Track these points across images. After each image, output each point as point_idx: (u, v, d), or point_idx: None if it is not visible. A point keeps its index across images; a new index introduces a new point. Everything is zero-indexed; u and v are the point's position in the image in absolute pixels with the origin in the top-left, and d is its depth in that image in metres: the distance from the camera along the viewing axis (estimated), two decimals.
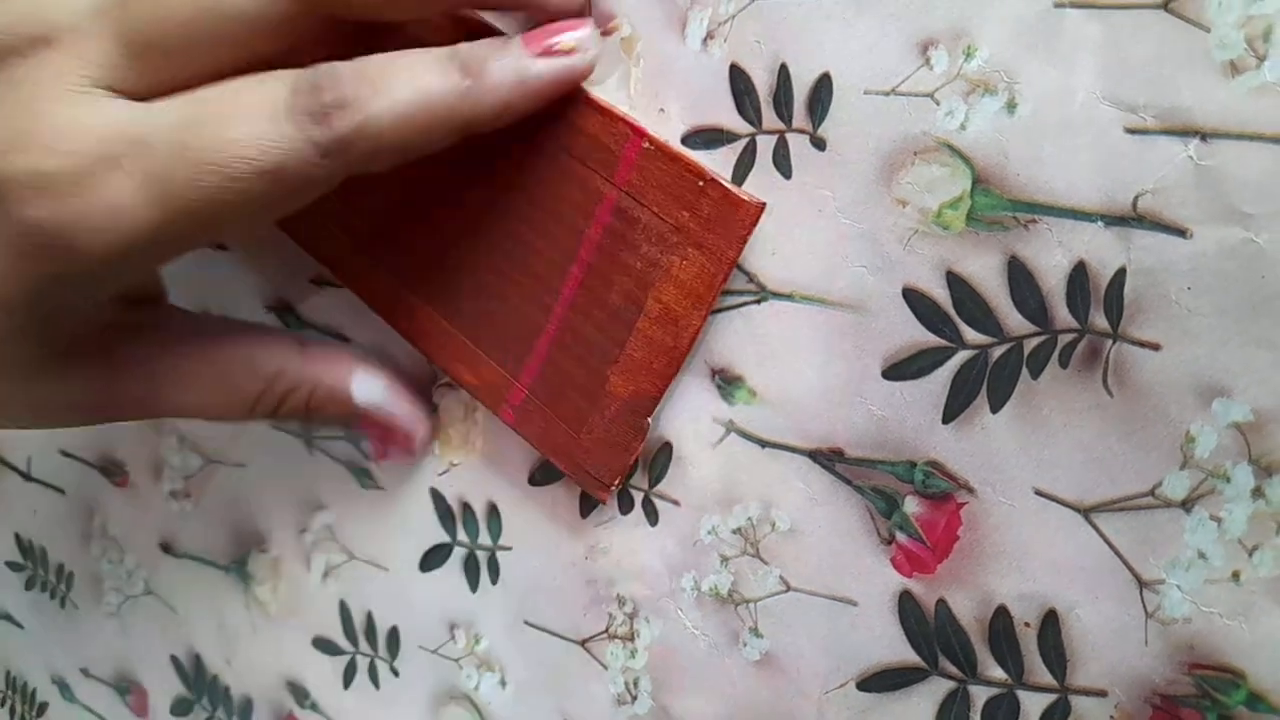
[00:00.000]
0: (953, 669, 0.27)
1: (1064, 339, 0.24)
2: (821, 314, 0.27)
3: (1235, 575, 0.23)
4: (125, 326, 0.30)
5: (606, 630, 0.32)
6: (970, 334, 0.25)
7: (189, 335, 0.31)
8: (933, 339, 0.26)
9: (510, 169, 0.30)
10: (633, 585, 0.32)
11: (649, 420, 0.30)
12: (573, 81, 0.28)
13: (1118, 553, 0.24)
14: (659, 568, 0.31)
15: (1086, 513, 0.25)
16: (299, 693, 0.40)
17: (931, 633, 0.27)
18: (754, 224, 0.27)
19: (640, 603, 0.31)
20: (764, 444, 0.29)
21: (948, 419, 0.26)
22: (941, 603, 0.27)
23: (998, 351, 0.25)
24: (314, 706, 0.39)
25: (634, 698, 0.32)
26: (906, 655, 0.27)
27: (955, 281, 0.25)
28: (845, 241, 0.27)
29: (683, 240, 0.28)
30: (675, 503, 0.30)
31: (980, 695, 0.26)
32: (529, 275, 0.30)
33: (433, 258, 0.33)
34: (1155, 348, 0.24)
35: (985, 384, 0.25)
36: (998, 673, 0.26)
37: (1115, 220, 0.24)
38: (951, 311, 0.26)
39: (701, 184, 0.28)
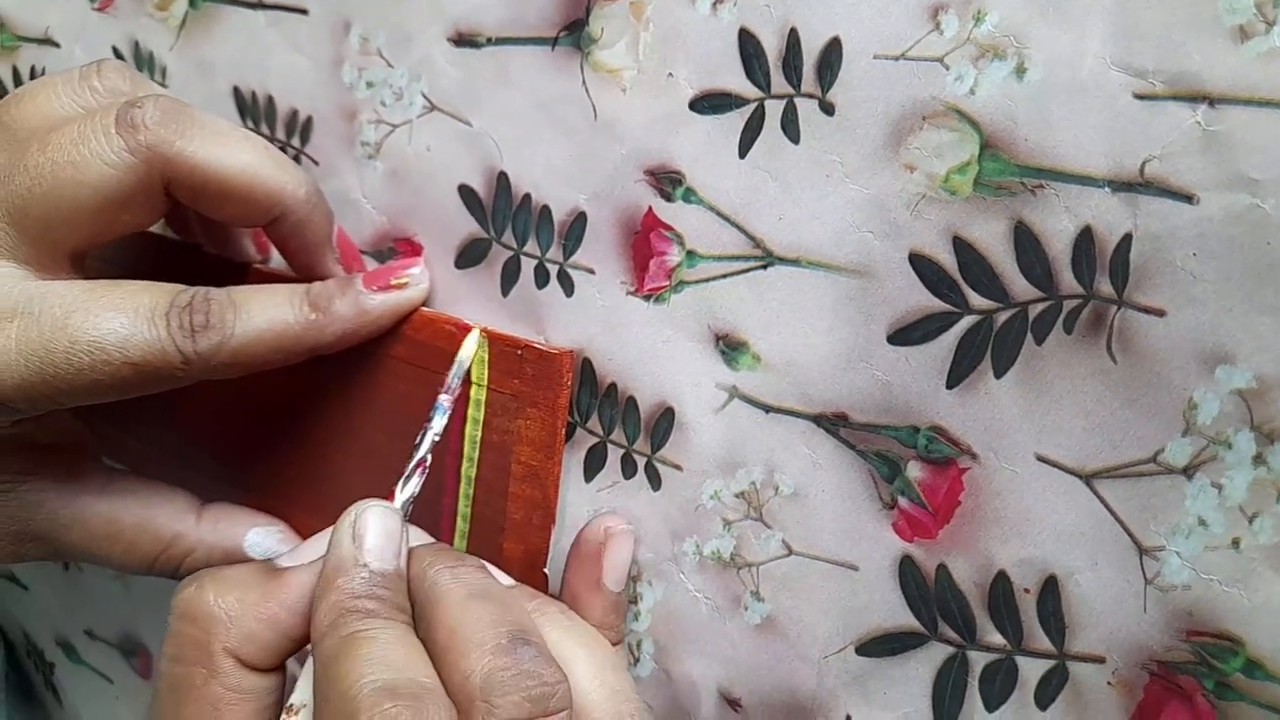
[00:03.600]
0: (952, 634, 0.27)
1: (1069, 305, 0.24)
2: (827, 279, 0.27)
3: (1235, 542, 0.23)
4: (37, 472, 0.33)
5: None
6: (976, 299, 0.26)
7: (96, 489, 0.35)
8: (938, 304, 0.26)
9: (368, 389, 0.35)
10: (636, 548, 0.32)
11: (546, 570, 0.32)
12: (406, 310, 0.34)
13: (1118, 519, 0.24)
14: (662, 532, 0.31)
15: (1088, 479, 0.25)
16: None
17: (931, 598, 0.27)
18: (571, 370, 0.31)
19: (643, 566, 0.32)
20: (768, 409, 0.29)
21: (952, 384, 0.26)
22: (942, 568, 0.27)
23: (1003, 317, 0.25)
24: None
25: (636, 660, 0.32)
26: (906, 620, 0.27)
27: (962, 247, 0.26)
28: (852, 207, 0.27)
29: (521, 404, 0.32)
30: (678, 467, 0.30)
31: (979, 661, 0.26)
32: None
33: (318, 481, 0.37)
34: (1160, 314, 0.24)
35: (990, 349, 0.26)
36: (997, 638, 0.26)
37: (1122, 186, 0.24)
38: (958, 277, 0.26)
39: (520, 352, 0.32)
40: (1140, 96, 0.23)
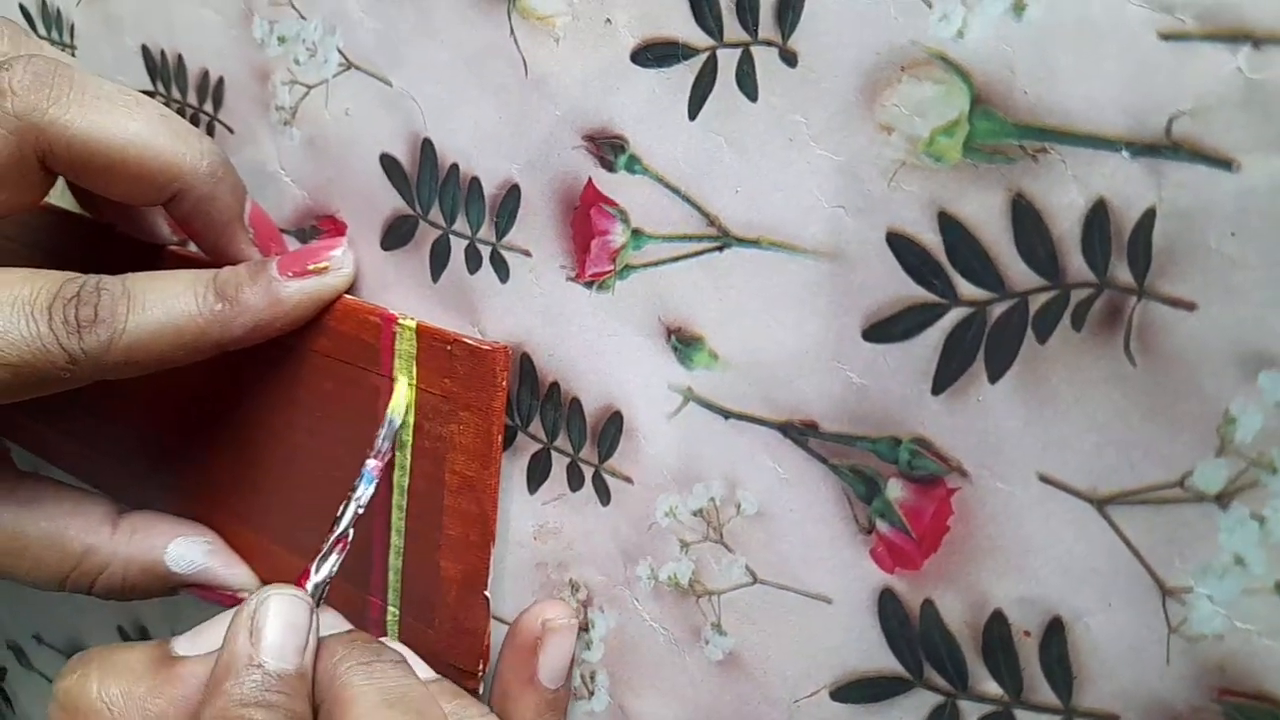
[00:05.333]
0: (940, 681, 0.23)
1: (1078, 295, 0.20)
2: (793, 263, 0.23)
3: (1279, 586, 0.19)
4: None
5: None
6: (966, 288, 0.21)
7: (6, 499, 0.32)
8: (921, 294, 0.22)
9: (289, 386, 0.31)
10: (586, 570, 0.28)
11: (487, 594, 0.28)
12: (327, 299, 0.30)
13: (1137, 553, 0.20)
14: (613, 552, 0.27)
15: (1100, 504, 0.21)
16: None
17: (916, 638, 0.23)
18: (505, 367, 0.27)
19: (594, 590, 0.28)
20: (727, 415, 0.25)
21: (938, 389, 0.22)
22: (928, 604, 0.23)
23: (998, 309, 0.21)
24: None
25: (591, 693, 0.28)
26: (887, 663, 0.23)
27: (949, 224, 0.21)
28: (820, 176, 0.23)
29: (453, 407, 0.28)
30: (628, 480, 0.27)
31: (971, 712, 0.23)
32: (343, 487, 0.29)
33: (244, 486, 0.33)
34: (1190, 307, 0.19)
35: (983, 348, 0.21)
36: (992, 687, 0.22)
37: (1144, 149, 0.19)
38: (944, 260, 0.21)
39: (449, 347, 0.28)
40: (1167, 37, 0.19)
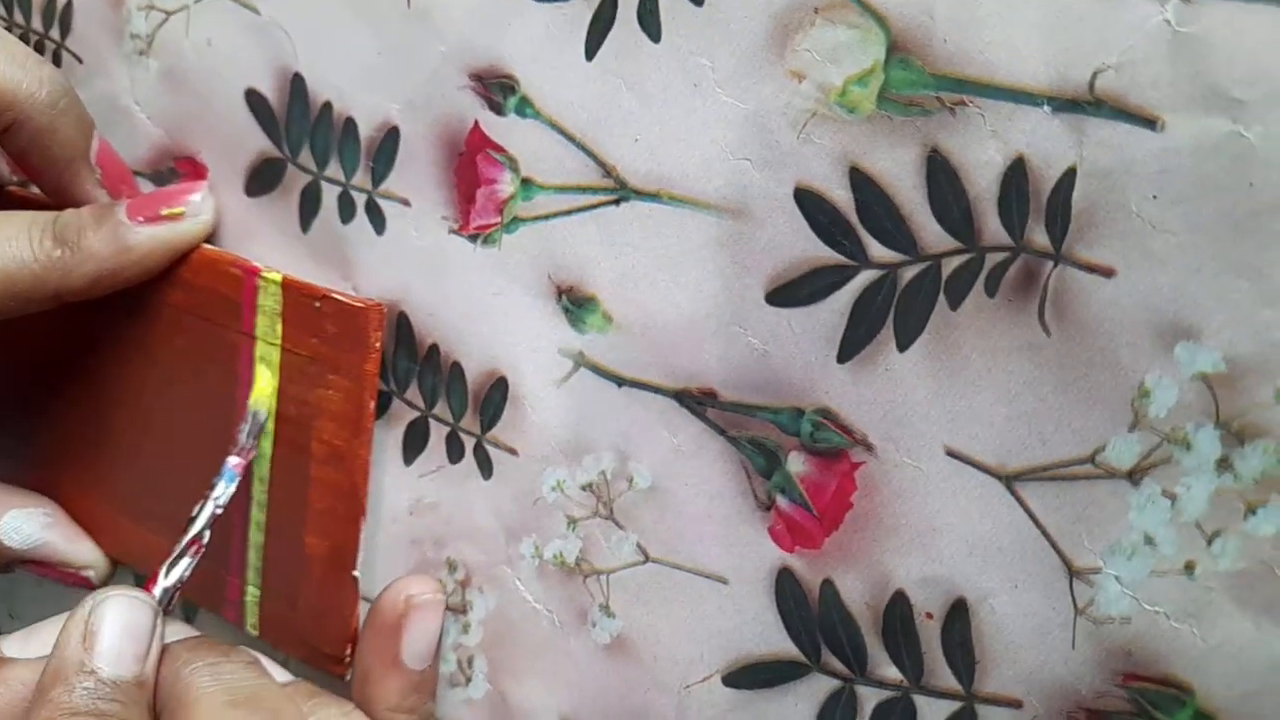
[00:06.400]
0: (838, 665, 0.22)
1: (993, 259, 0.19)
2: (694, 219, 0.22)
3: (1189, 567, 0.18)
4: None
5: None
6: (876, 249, 0.20)
7: None
8: (829, 255, 0.20)
9: (140, 343, 0.29)
10: (465, 548, 0.26)
11: (356, 573, 0.26)
12: (182, 248, 0.27)
13: (1045, 532, 0.19)
14: (494, 529, 0.25)
15: (1009, 480, 0.20)
16: None
17: (814, 620, 0.22)
18: (379, 327, 0.25)
19: (474, 569, 0.26)
20: (620, 381, 0.23)
21: (844, 357, 0.21)
22: (828, 584, 0.22)
23: (910, 273, 0.20)
24: None
25: (468, 679, 0.27)
26: (783, 646, 0.22)
27: (860, 181, 0.20)
28: (726, 126, 0.21)
29: (321, 369, 0.26)
30: (512, 452, 0.25)
31: (869, 698, 0.21)
32: (199, 454, 0.27)
33: (91, 453, 0.31)
34: (1108, 273, 0.18)
35: (892, 313, 0.20)
36: (891, 672, 0.21)
37: (1066, 105, 0.18)
38: (854, 219, 0.20)
39: (318, 304, 0.25)
40: None
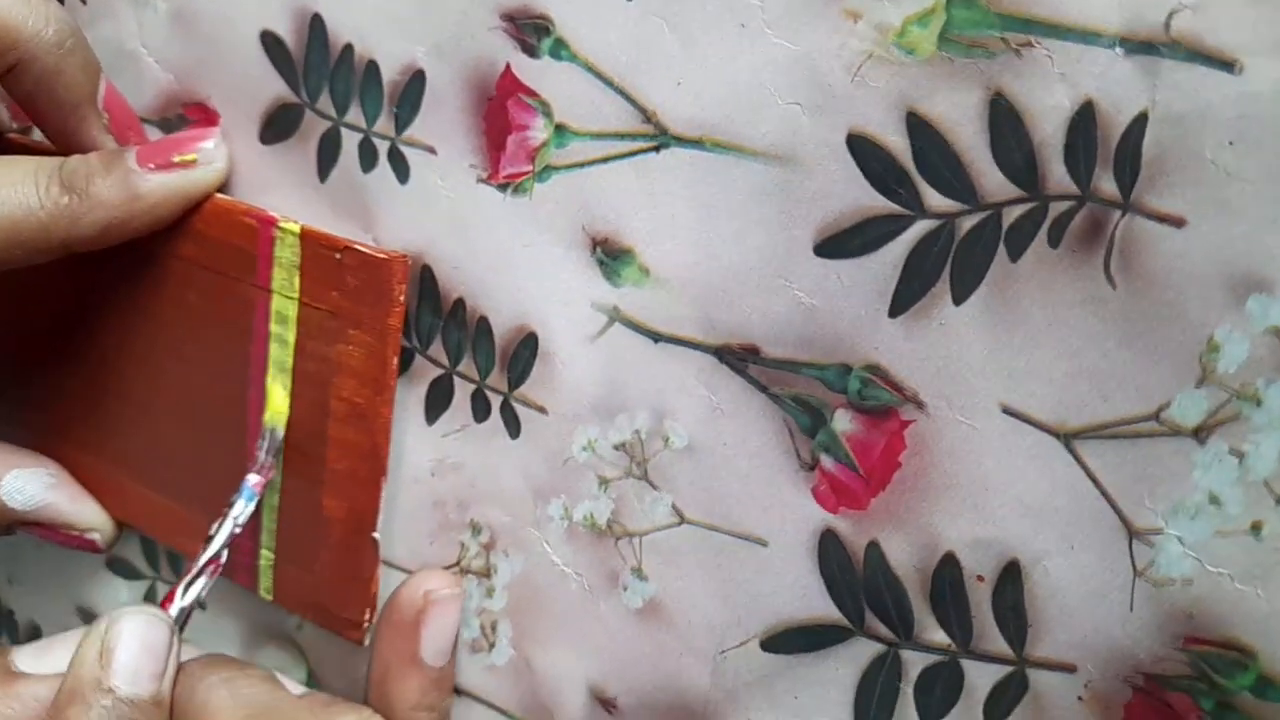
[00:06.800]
0: (882, 629, 0.21)
1: (1057, 208, 0.18)
2: (738, 167, 0.21)
3: (1255, 528, 0.18)
4: None
5: (458, 563, 0.26)
6: (934, 198, 0.19)
7: None
8: (883, 204, 0.20)
9: (149, 298, 0.27)
10: (490, 510, 0.25)
11: (376, 535, 0.26)
12: (195, 197, 0.26)
13: (1104, 491, 0.19)
14: (522, 490, 0.25)
15: (1068, 438, 0.19)
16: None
17: (859, 583, 0.21)
18: (403, 280, 0.24)
19: (499, 531, 0.25)
20: (657, 337, 0.22)
21: (896, 311, 0.20)
22: (873, 546, 0.21)
23: (968, 223, 0.19)
24: None
25: (491, 645, 0.26)
26: (826, 610, 0.22)
27: (918, 126, 0.19)
28: (775, 69, 0.20)
29: (341, 324, 0.25)
30: (542, 410, 0.24)
31: (915, 663, 0.21)
32: (211, 415, 0.27)
33: (98, 414, 0.29)
34: (1179, 223, 0.18)
35: (949, 266, 0.19)
36: (939, 636, 0.21)
37: (1140, 46, 0.17)
38: (910, 167, 0.19)
39: (338, 255, 0.24)
40: None
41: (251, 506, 0.25)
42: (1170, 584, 0.19)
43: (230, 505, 0.25)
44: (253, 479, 0.25)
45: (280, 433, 0.26)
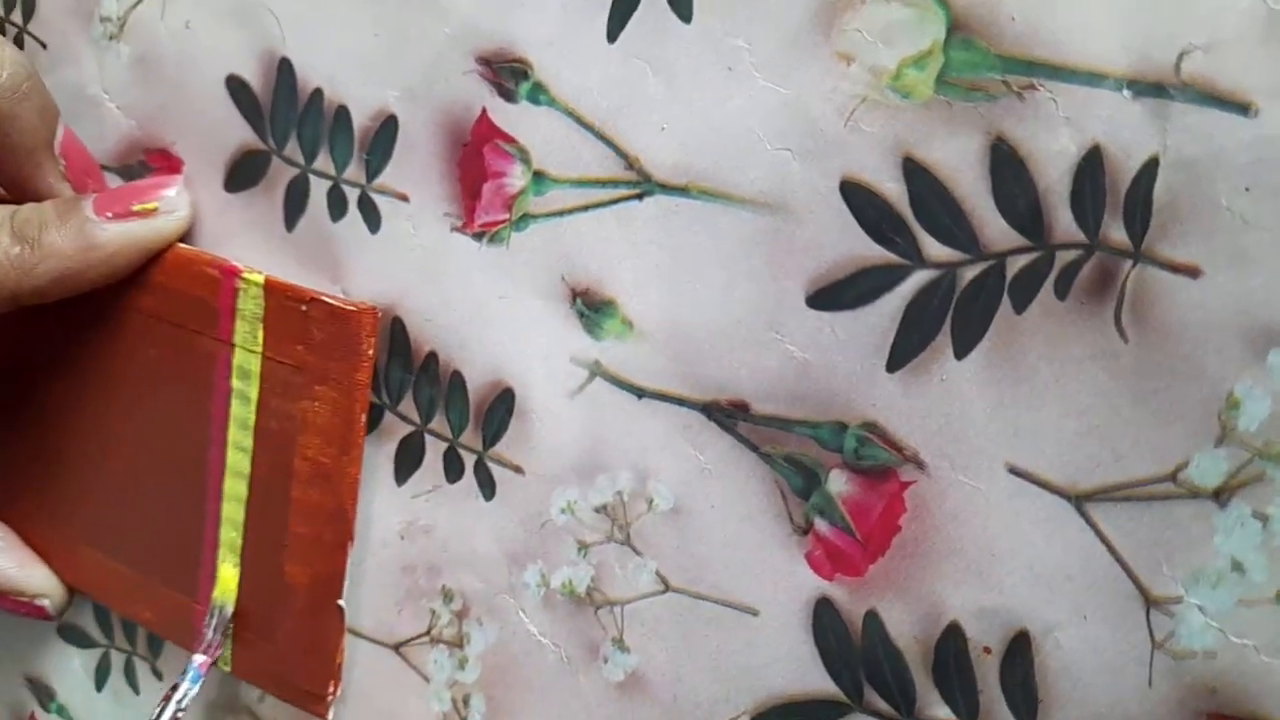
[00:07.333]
0: (882, 704, 0.20)
1: (1064, 257, 0.18)
2: (726, 215, 0.20)
3: None
4: None
5: (428, 632, 0.25)
6: (933, 247, 0.18)
7: None
8: (879, 253, 0.19)
9: (106, 353, 0.26)
10: (462, 576, 0.24)
11: (341, 603, 0.24)
12: (155, 247, 0.25)
13: (1118, 558, 0.18)
14: (496, 555, 0.23)
15: (1079, 501, 0.18)
16: (43, 692, 0.31)
17: (856, 655, 0.20)
18: (372, 333, 0.23)
19: (472, 599, 0.24)
20: (641, 393, 0.21)
21: (894, 366, 0.19)
22: (872, 615, 0.20)
23: (970, 273, 0.18)
24: (61, 710, 0.31)
25: None
26: (821, 684, 0.20)
27: (915, 172, 0.18)
28: (764, 113, 0.19)
29: (307, 380, 0.24)
30: (518, 470, 0.23)
31: None
32: (168, 476, 0.26)
33: (49, 474, 0.28)
34: (1193, 273, 0.17)
35: (950, 318, 0.19)
36: (943, 712, 0.19)
37: (1149, 89, 0.17)
38: (908, 214, 0.19)
39: (304, 307, 0.24)
40: None
41: (196, 688, 0.24)
42: (1191, 656, 0.18)
43: (174, 688, 0.24)
44: (198, 659, 0.25)
45: (229, 610, 0.25)
